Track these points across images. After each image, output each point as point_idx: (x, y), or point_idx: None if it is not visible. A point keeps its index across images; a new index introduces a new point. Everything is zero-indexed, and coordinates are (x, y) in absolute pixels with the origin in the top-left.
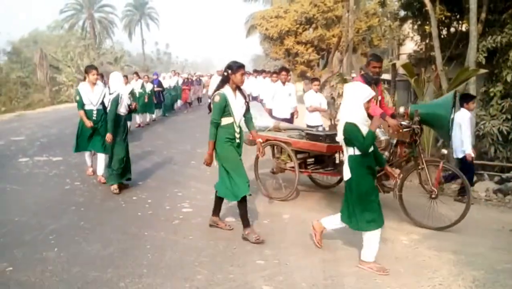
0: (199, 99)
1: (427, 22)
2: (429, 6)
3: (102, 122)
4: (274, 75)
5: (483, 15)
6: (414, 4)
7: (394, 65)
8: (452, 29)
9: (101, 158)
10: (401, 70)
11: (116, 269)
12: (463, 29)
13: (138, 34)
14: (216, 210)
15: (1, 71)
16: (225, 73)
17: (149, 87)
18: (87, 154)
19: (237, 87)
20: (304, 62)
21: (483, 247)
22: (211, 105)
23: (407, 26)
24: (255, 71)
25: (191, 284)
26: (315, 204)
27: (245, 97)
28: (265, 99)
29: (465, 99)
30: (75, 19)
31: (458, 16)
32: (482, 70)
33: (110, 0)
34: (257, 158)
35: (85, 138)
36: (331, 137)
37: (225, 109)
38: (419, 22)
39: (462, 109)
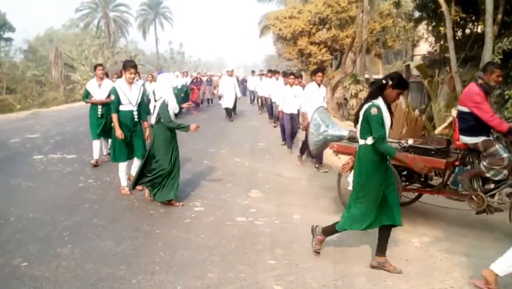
0: (209, 101)
1: (442, 24)
2: (444, 7)
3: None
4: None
5: (499, 17)
6: (429, 5)
7: (407, 66)
8: (467, 31)
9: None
10: (414, 72)
11: (129, 266)
12: (479, 30)
13: (152, 34)
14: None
15: (17, 69)
16: (384, 82)
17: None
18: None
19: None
20: (317, 63)
21: (495, 250)
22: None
23: (422, 27)
24: (270, 71)
25: (202, 282)
26: (327, 205)
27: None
28: (277, 101)
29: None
30: (90, 18)
31: (473, 18)
32: None
33: None
34: (340, 174)
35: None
36: (442, 151)
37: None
38: (433, 23)
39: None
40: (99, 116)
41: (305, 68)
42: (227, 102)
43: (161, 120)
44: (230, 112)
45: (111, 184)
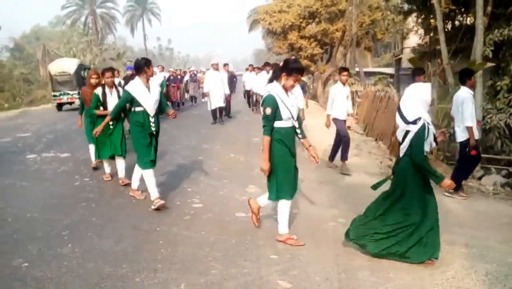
0: (193, 99)
1: (432, 16)
2: None
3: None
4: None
5: (489, 9)
6: None
7: (398, 59)
8: (457, 23)
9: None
10: (404, 64)
11: (131, 264)
12: (468, 22)
13: (140, 30)
14: None
15: (4, 68)
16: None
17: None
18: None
19: None
20: (307, 57)
21: (494, 240)
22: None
23: (411, 20)
24: (267, 64)
25: (206, 278)
26: (323, 198)
27: None
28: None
29: (466, 75)
30: (77, 15)
31: (463, 9)
32: (489, 64)
33: None
34: None
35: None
36: None
37: None
38: (423, 16)
39: (462, 87)
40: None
41: None
42: (215, 102)
43: None
44: (222, 112)
45: (107, 182)
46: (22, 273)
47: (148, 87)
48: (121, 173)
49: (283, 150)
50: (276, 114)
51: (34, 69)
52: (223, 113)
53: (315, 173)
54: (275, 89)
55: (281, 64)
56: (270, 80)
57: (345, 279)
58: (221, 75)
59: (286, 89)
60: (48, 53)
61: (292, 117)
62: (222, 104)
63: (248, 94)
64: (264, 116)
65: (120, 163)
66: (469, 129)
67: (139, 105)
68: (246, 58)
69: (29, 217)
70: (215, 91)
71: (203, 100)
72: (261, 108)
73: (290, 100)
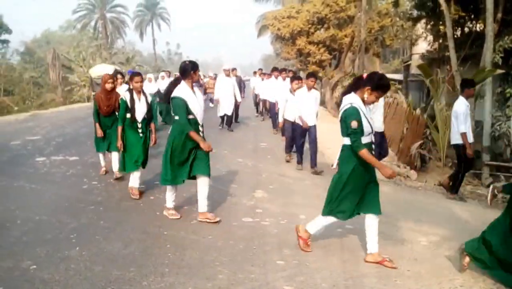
0: None
1: (441, 22)
2: (444, 6)
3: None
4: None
5: (499, 15)
6: (427, 4)
7: (407, 66)
8: (466, 29)
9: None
10: (413, 70)
11: (138, 268)
12: (478, 29)
13: (149, 34)
14: None
15: (14, 71)
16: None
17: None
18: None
19: None
20: (316, 62)
21: None
22: None
23: (420, 26)
24: (275, 69)
25: (213, 283)
26: None
27: None
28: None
29: (465, 85)
30: (87, 19)
31: (472, 16)
32: (499, 71)
33: (121, 0)
34: None
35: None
36: None
37: None
38: (432, 22)
39: (460, 97)
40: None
41: (304, 68)
42: (224, 108)
43: None
44: (230, 121)
45: (115, 185)
46: (30, 275)
47: (194, 93)
48: (135, 183)
49: (360, 169)
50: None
51: (44, 72)
52: (231, 122)
53: (324, 179)
54: (357, 101)
55: (364, 75)
56: (347, 92)
57: (352, 286)
58: (233, 81)
59: (365, 103)
60: (58, 57)
61: (372, 132)
62: (229, 113)
63: (256, 100)
64: (352, 131)
65: (137, 174)
66: (463, 135)
67: (190, 112)
68: (253, 63)
69: (38, 220)
70: (225, 98)
71: (210, 105)
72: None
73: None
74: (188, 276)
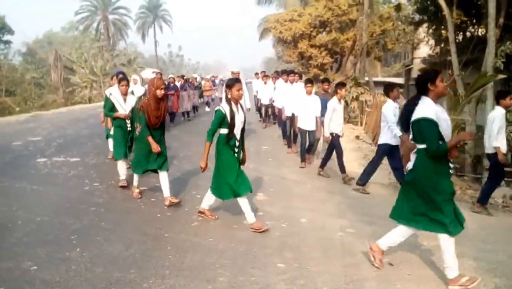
0: (195, 108)
1: (443, 27)
2: (446, 10)
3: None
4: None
5: (501, 20)
6: (429, 9)
7: (408, 70)
8: (468, 34)
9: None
10: (414, 74)
11: (139, 269)
12: (480, 34)
13: (151, 36)
14: None
15: (16, 72)
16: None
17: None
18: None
19: None
20: (317, 66)
21: (504, 254)
22: None
23: (422, 30)
24: (285, 72)
25: (213, 285)
26: (333, 209)
27: None
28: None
29: (500, 95)
30: (89, 21)
31: (474, 21)
32: (501, 76)
33: (124, 2)
34: None
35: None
36: None
37: None
38: (434, 26)
39: (496, 107)
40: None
41: (306, 71)
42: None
43: None
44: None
45: (116, 187)
46: (31, 276)
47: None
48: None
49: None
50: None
51: (45, 73)
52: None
53: (325, 182)
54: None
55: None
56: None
57: None
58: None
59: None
60: (60, 58)
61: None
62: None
63: (258, 104)
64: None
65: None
66: (497, 149)
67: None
68: (255, 66)
69: (39, 221)
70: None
71: (206, 109)
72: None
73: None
74: (189, 278)
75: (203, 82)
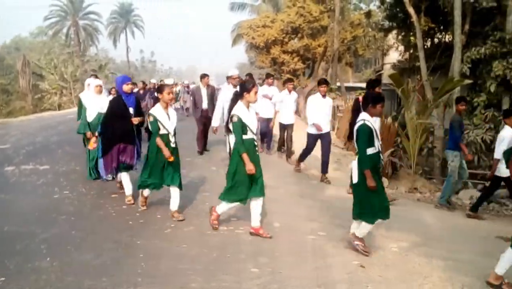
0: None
1: (411, 33)
2: (414, 17)
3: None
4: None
5: (467, 27)
6: (398, 16)
7: (379, 75)
8: (436, 40)
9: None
10: (385, 80)
11: (111, 278)
12: (447, 40)
13: (123, 42)
14: None
15: None
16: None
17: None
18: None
19: None
20: (290, 71)
21: (471, 253)
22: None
23: (391, 37)
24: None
25: None
26: (305, 212)
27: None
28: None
29: (506, 113)
30: (59, 26)
31: (442, 28)
32: (467, 81)
33: (95, 7)
34: None
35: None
36: None
37: None
38: (403, 33)
39: (505, 126)
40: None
41: (278, 77)
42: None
43: None
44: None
45: (86, 194)
46: None
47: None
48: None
49: None
50: None
51: (13, 80)
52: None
53: (296, 186)
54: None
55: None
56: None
57: None
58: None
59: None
60: (29, 64)
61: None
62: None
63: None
64: None
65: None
66: (494, 161)
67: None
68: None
69: (6, 231)
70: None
71: (186, 114)
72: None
73: None
74: (161, 285)
75: (178, 89)
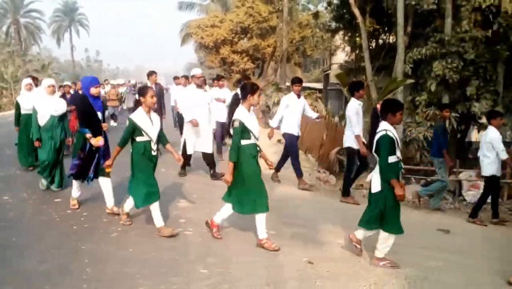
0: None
1: (357, 34)
2: (359, 19)
3: None
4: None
5: (409, 29)
6: (345, 17)
7: (326, 75)
8: (380, 41)
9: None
10: (332, 80)
11: (54, 286)
12: (391, 41)
13: (67, 41)
14: None
15: None
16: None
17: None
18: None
19: None
20: (239, 71)
21: (413, 246)
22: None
23: (338, 38)
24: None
25: None
26: None
27: None
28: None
29: (491, 115)
30: None
31: (386, 29)
32: (409, 81)
33: (37, 5)
34: None
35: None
36: None
37: None
38: (349, 34)
39: (490, 127)
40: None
41: (228, 77)
42: (200, 142)
43: None
44: (212, 164)
45: (28, 200)
46: None
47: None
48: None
49: None
50: None
51: None
52: (213, 164)
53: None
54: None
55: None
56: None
57: None
58: (205, 96)
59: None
60: None
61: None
62: (208, 151)
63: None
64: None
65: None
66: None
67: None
68: (177, 72)
69: None
70: (199, 123)
71: (112, 124)
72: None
73: None
74: None
75: (106, 89)
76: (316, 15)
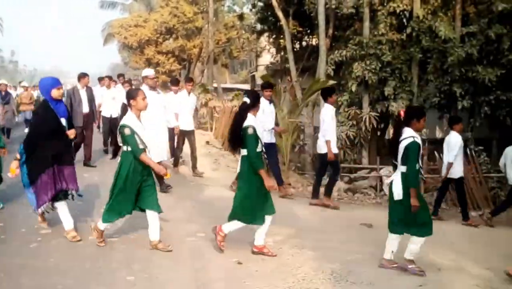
0: (7, 131)
1: (282, 36)
2: (283, 21)
3: None
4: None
5: (331, 31)
6: (269, 19)
7: (253, 76)
8: (304, 43)
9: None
10: (259, 81)
11: None
12: (314, 43)
13: None
14: None
15: None
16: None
17: None
18: None
19: None
20: (165, 72)
21: (337, 241)
22: None
23: (264, 39)
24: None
25: None
26: (183, 214)
27: None
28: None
29: (452, 121)
30: None
31: (309, 31)
32: (331, 82)
33: None
34: None
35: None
36: None
37: None
38: (274, 36)
39: (452, 132)
40: None
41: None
42: (157, 151)
43: None
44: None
45: None
46: None
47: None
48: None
49: None
50: None
51: None
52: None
53: (177, 189)
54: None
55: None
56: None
57: None
58: (158, 98)
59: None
60: None
61: None
62: (164, 158)
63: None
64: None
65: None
66: (448, 165)
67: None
68: (102, 72)
69: None
70: (157, 128)
71: (100, 131)
72: None
73: None
74: None
75: (16, 93)
76: (241, 17)
